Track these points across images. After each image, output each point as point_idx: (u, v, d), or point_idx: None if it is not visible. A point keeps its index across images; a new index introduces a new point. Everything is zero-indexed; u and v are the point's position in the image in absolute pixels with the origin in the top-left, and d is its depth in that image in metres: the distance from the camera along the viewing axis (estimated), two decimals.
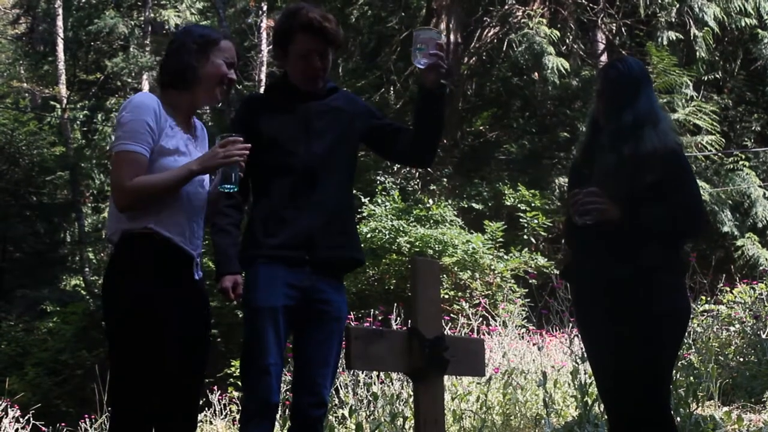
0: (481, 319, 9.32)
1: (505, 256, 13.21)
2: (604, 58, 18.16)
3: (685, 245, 4.15)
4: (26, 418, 11.29)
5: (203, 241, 3.67)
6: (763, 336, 8.30)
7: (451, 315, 10.28)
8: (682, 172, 3.88)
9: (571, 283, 4.30)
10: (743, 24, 16.10)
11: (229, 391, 10.92)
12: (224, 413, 10.29)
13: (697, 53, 15.83)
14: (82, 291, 23.18)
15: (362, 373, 7.83)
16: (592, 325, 3.97)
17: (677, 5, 15.86)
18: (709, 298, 9.57)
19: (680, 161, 3.91)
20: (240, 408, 4.73)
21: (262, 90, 4.36)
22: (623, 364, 3.80)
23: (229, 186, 3.50)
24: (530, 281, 11.20)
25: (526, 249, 13.84)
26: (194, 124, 3.67)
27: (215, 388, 10.45)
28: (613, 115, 3.92)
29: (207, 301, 3.65)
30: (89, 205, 27.72)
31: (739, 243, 15.39)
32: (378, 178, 15.53)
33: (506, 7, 17.33)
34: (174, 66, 3.54)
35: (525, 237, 14.77)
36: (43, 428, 11.55)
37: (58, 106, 26.82)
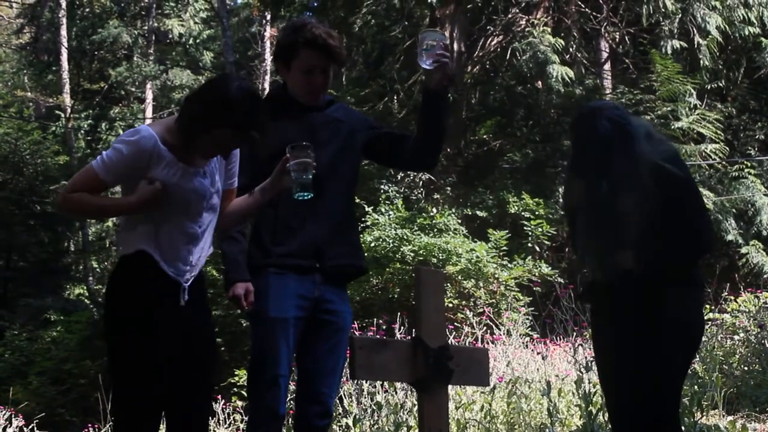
0: (485, 327, 9.30)
1: (509, 265, 13.18)
2: (607, 66, 18.19)
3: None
4: (30, 427, 11.29)
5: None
6: None
7: (455, 324, 10.26)
8: (686, 194, 3.78)
9: (591, 302, 4.25)
10: (746, 33, 16.10)
11: (232, 401, 10.89)
12: (228, 422, 10.27)
13: (701, 62, 15.83)
14: (86, 300, 23.20)
15: (366, 382, 7.82)
16: (606, 335, 3.91)
17: (680, 14, 15.86)
18: (713, 307, 9.55)
19: (686, 183, 3.79)
20: (245, 418, 4.73)
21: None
22: (635, 375, 3.79)
23: (305, 194, 3.52)
24: (534, 289, 11.20)
25: (529, 257, 13.82)
26: None
27: (219, 397, 10.43)
28: (590, 182, 3.79)
29: (203, 321, 3.63)
30: None
31: (743, 251, 15.37)
32: (382, 187, 15.51)
33: (510, 15, 17.34)
34: (187, 113, 3.45)
35: (529, 245, 14.75)
36: None
37: (62, 115, 26.87)
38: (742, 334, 8.97)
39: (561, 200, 4.47)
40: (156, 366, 3.39)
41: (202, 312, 3.62)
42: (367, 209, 13.77)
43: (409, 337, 3.59)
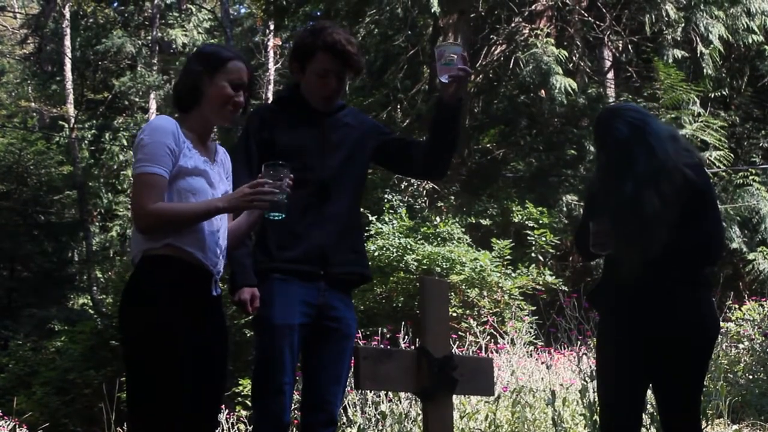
0: (489, 337, 9.29)
1: (513, 274, 13.16)
2: (610, 75, 18.19)
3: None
4: None
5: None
6: None
7: (459, 333, 10.25)
8: (703, 204, 3.80)
9: (596, 307, 4.25)
10: (750, 41, 16.09)
11: (236, 410, 10.87)
12: None
13: (704, 70, 15.82)
14: (90, 310, 23.17)
15: (370, 391, 7.81)
16: (617, 342, 3.90)
17: (683, 23, 15.87)
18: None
19: (703, 195, 3.82)
20: (249, 428, 4.73)
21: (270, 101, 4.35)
22: (656, 381, 3.80)
23: (276, 214, 3.40)
24: (538, 298, 11.18)
25: (533, 266, 13.80)
26: (215, 149, 3.64)
27: (223, 406, 10.40)
28: (616, 182, 3.79)
29: (224, 318, 3.59)
30: (97, 224, 27.77)
31: (750, 258, 15.32)
32: (385, 196, 15.51)
33: (513, 25, 17.36)
34: (182, 86, 3.55)
35: (533, 254, 14.73)
36: None
37: (65, 125, 26.91)
38: (746, 343, 8.96)
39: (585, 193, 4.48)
40: (183, 372, 3.31)
41: (222, 337, 3.56)
42: (371, 218, 13.77)
43: (414, 347, 3.59)
